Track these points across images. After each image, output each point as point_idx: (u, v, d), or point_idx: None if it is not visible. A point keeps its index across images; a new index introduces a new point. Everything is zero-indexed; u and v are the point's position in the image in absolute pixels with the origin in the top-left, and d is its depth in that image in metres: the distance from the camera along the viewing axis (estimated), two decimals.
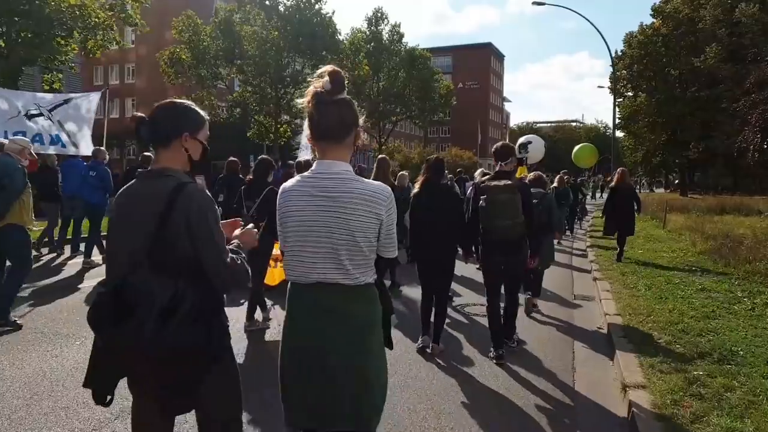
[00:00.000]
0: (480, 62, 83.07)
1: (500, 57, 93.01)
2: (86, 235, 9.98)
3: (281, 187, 2.17)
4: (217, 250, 2.02)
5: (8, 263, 6.05)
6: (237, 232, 2.35)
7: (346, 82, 2.09)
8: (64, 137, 11.24)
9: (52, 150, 11.13)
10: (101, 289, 1.99)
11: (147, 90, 39.79)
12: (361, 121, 2.16)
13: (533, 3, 26.55)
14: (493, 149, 5.30)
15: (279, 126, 29.59)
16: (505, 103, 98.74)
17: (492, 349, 5.23)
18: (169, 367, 1.92)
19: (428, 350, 5.33)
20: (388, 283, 8.11)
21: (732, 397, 4.03)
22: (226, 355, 2.16)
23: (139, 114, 2.13)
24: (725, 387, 4.20)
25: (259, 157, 6.27)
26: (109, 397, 2.03)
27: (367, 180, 2.12)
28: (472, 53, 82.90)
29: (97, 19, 15.15)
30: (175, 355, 1.88)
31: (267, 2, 28.56)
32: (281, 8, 28.47)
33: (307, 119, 2.09)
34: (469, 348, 5.62)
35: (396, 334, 5.91)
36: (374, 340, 2.13)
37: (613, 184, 11.44)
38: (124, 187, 2.16)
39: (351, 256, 2.02)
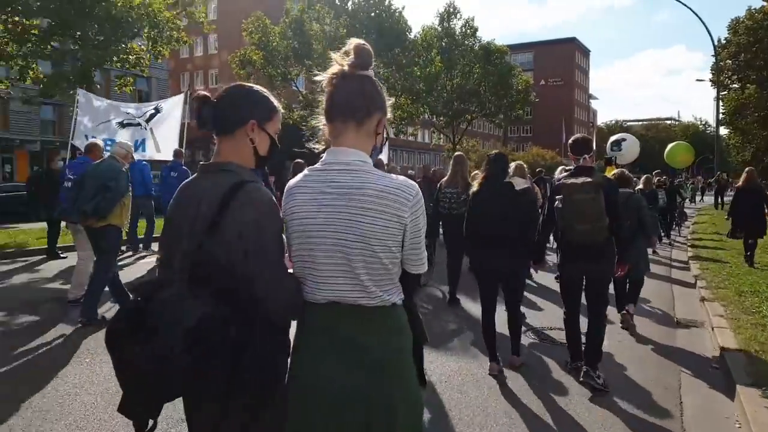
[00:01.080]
0: (564, 58, 79.93)
1: (586, 52, 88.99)
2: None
3: (287, 184, 1.79)
4: (272, 270, 1.66)
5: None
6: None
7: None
8: (149, 143, 11.59)
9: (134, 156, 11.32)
10: (129, 300, 1.69)
11: None
12: (389, 113, 1.80)
13: None
14: (569, 142, 4.65)
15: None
16: (591, 101, 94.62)
17: (568, 360, 4.78)
18: (197, 405, 1.72)
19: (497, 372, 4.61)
20: (438, 294, 7.06)
21: None
22: (274, 403, 1.73)
23: (203, 92, 1.81)
24: None
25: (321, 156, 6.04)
26: (152, 422, 1.67)
27: (386, 173, 1.68)
28: (554, 49, 79.87)
29: (161, 18, 15.10)
30: (202, 394, 1.63)
31: (336, 0, 28.44)
32: (349, 5, 28.21)
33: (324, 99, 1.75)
34: (546, 383, 4.43)
35: (451, 367, 4.82)
36: (402, 383, 1.69)
37: (740, 183, 10.91)
38: (184, 182, 1.89)
39: (369, 270, 1.64)
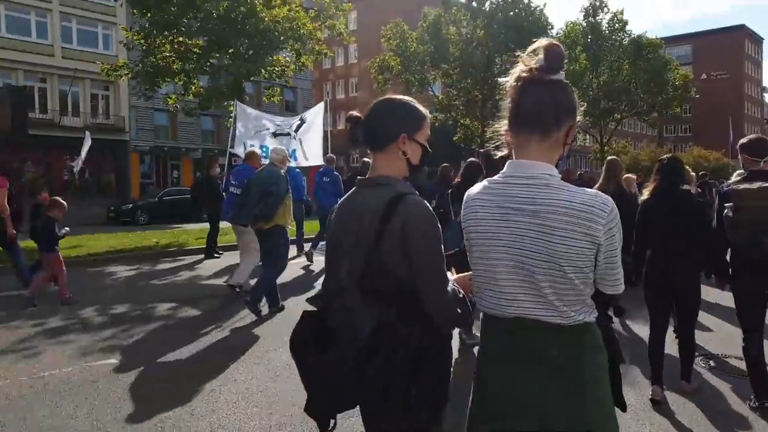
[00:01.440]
0: (730, 49, 71.71)
1: (757, 40, 79.15)
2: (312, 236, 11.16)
3: (466, 194, 1.73)
4: (436, 275, 1.72)
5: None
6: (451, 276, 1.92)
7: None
8: (299, 152, 12.41)
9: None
10: (307, 310, 1.86)
11: (368, 102, 42.12)
12: (579, 116, 1.66)
13: None
14: (742, 143, 4.11)
15: (486, 129, 28.72)
16: (765, 95, 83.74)
17: (752, 397, 4.03)
18: (370, 418, 1.81)
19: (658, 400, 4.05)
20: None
21: None
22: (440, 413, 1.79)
23: (354, 113, 1.94)
24: None
25: (468, 159, 6.13)
26: (332, 422, 1.80)
27: (576, 188, 1.56)
28: (718, 39, 71.95)
29: (305, 30, 15.89)
30: (377, 406, 1.70)
31: (473, 3, 28.12)
32: (487, 5, 27.78)
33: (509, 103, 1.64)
34: (725, 422, 3.73)
35: None
36: (599, 402, 1.56)
37: None
38: (343, 197, 1.98)
39: (558, 290, 1.53)
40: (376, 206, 1.77)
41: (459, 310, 1.73)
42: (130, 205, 23.94)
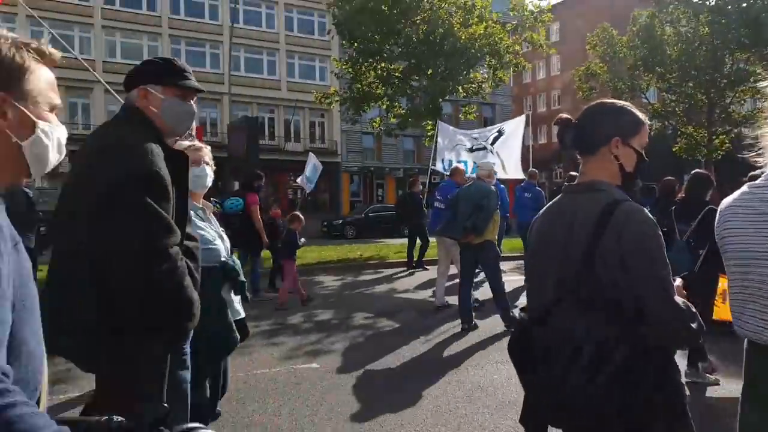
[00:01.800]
0: None
1: None
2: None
3: (721, 203, 1.74)
4: (660, 286, 1.59)
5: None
6: None
7: None
8: (498, 165, 12.26)
9: None
10: (522, 317, 1.84)
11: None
12: None
13: None
14: None
15: (714, 137, 25.17)
16: None
17: None
18: None
19: None
20: None
21: None
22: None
23: (565, 116, 1.89)
24: None
25: (693, 171, 5.77)
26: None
27: None
28: None
29: (501, 45, 15.75)
30: (602, 424, 1.59)
31: None
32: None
33: None
34: None
35: None
36: None
37: None
38: (547, 204, 1.94)
39: None
40: (588, 212, 1.67)
41: (693, 325, 1.56)
42: (340, 221, 26.01)
